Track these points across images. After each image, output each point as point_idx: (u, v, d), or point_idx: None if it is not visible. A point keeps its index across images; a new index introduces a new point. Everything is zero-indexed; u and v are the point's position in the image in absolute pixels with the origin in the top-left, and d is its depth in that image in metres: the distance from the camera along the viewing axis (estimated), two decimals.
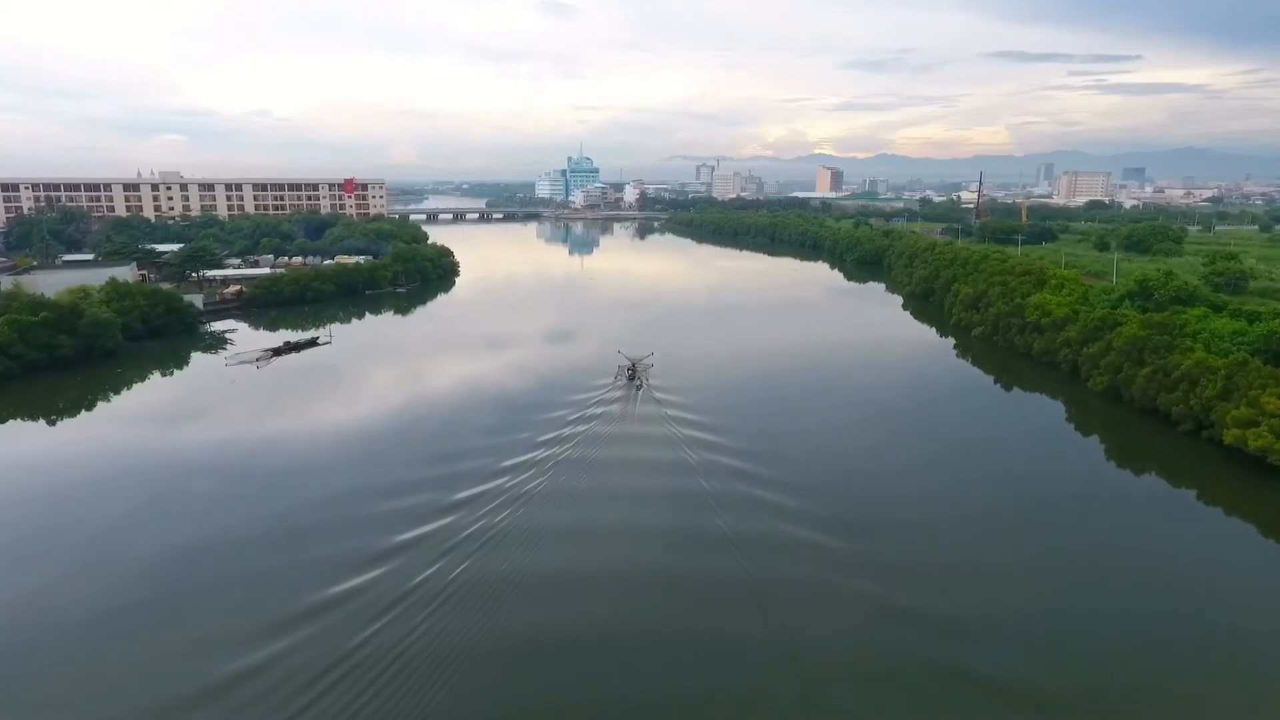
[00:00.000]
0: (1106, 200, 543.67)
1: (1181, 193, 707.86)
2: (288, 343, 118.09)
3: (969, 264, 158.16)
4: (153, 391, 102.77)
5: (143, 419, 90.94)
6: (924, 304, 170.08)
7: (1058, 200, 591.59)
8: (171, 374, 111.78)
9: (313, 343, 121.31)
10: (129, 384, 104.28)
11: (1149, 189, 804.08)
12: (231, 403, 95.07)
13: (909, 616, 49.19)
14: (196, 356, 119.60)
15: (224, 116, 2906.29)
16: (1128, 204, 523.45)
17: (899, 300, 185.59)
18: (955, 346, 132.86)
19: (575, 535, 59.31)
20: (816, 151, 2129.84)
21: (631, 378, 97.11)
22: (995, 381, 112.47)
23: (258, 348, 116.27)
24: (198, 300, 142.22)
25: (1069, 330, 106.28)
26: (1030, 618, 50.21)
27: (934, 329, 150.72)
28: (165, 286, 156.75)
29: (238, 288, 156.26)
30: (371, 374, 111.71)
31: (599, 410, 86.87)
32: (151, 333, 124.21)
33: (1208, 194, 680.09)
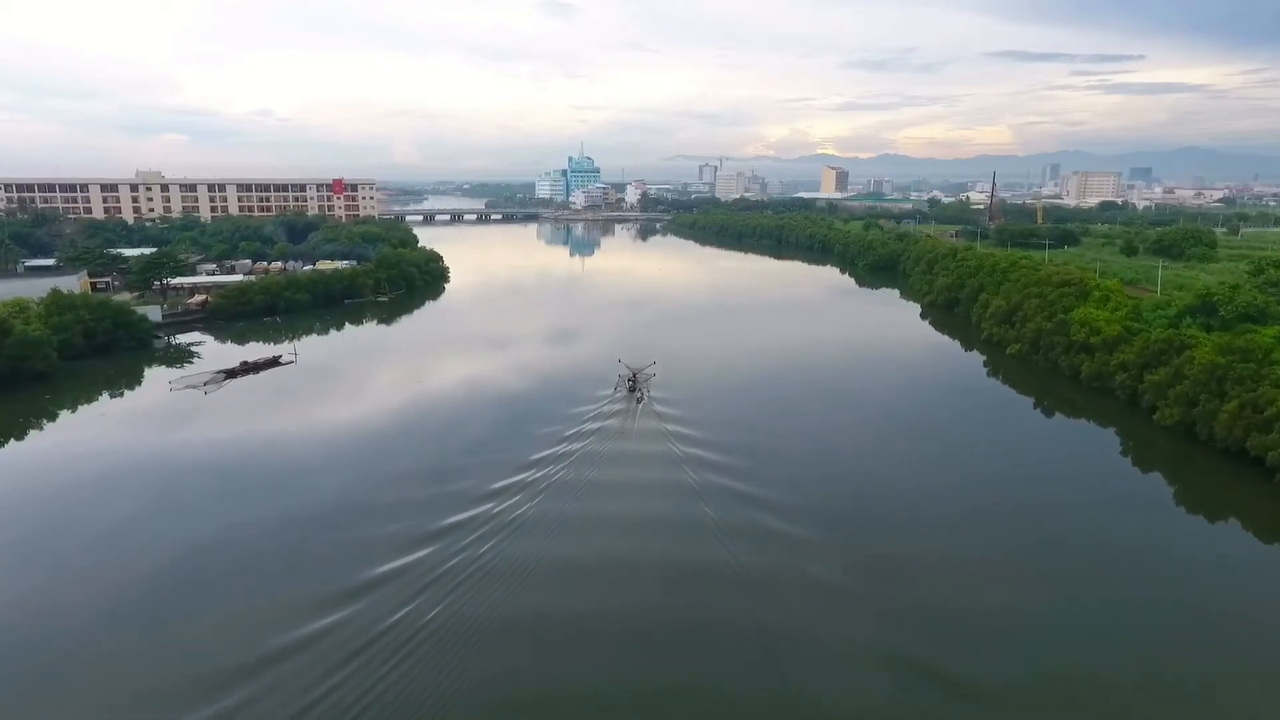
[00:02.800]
0: (1119, 201, 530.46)
1: (1192, 193, 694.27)
2: (245, 362, 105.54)
3: (996, 272, 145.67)
4: (80, 421, 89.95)
5: (71, 450, 78.94)
6: (946, 314, 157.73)
7: (1068, 201, 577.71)
8: (119, 395, 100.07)
9: (274, 362, 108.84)
10: (61, 410, 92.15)
11: (1158, 189, 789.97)
12: (169, 433, 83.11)
13: (937, 680, 43.55)
14: (145, 377, 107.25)
15: (226, 116, 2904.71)
16: (1140, 205, 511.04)
17: (916, 308, 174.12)
18: (986, 364, 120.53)
19: (564, 571, 53.84)
20: (819, 151, 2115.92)
21: (632, 389, 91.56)
22: (1035, 406, 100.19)
23: (209, 369, 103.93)
24: (155, 312, 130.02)
25: (1124, 352, 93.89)
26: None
27: (958, 342, 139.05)
28: (123, 297, 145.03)
29: (203, 297, 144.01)
30: (340, 396, 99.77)
31: (595, 426, 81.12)
32: (97, 350, 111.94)
33: (1218, 194, 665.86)
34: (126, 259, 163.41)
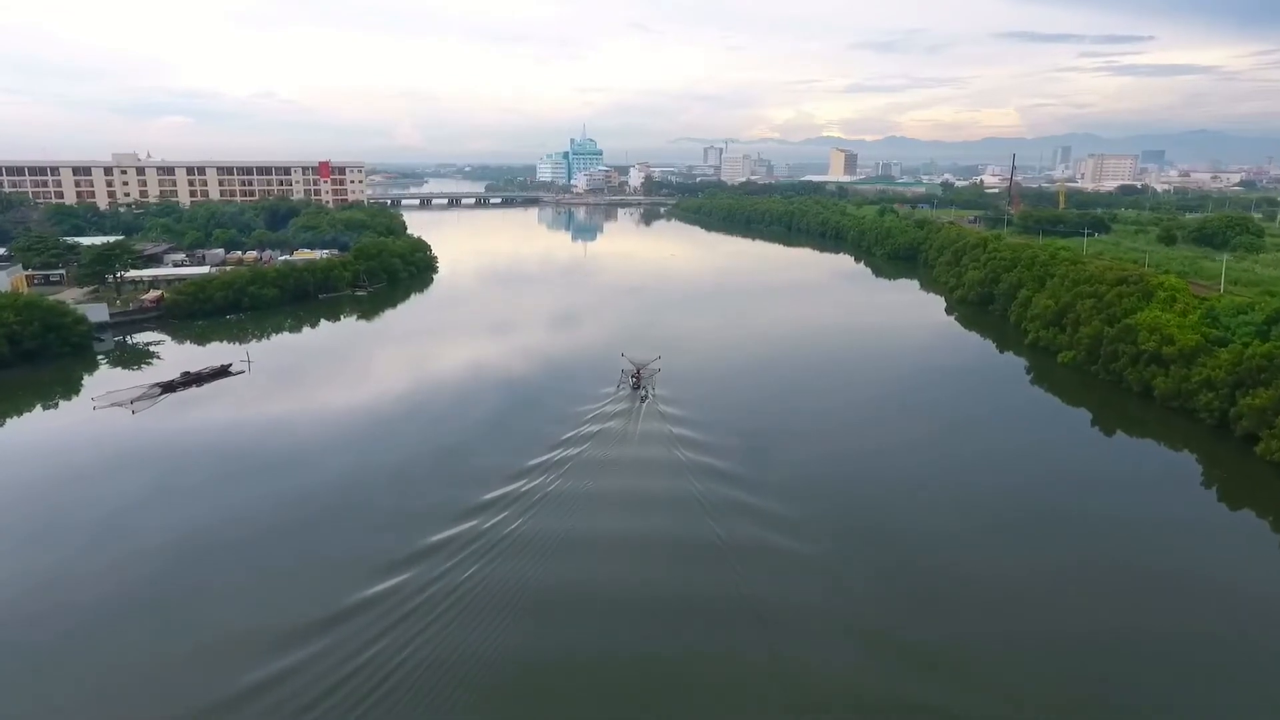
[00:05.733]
0: (1138, 185, 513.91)
1: (1208, 176, 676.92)
2: (186, 373, 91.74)
3: (1035, 265, 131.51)
4: None
5: None
6: (978, 311, 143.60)
7: (1085, 185, 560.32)
8: (50, 407, 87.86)
9: (223, 371, 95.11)
10: None
11: (1172, 172, 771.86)
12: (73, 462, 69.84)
13: None
14: (72, 389, 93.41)
15: (229, 98, 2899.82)
16: (1159, 188, 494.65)
17: (939, 302, 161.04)
18: (1030, 371, 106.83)
19: (554, 600, 47.97)
20: (824, 134, 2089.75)
21: (635, 386, 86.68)
22: (1093, 424, 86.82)
23: (144, 381, 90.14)
24: (100, 310, 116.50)
25: (1207, 366, 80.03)
26: None
27: (992, 342, 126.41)
28: (73, 293, 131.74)
29: (158, 293, 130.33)
30: (300, 407, 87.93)
31: (595, 428, 75.54)
32: (24, 356, 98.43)
33: (1236, 178, 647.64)
34: (81, 250, 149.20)
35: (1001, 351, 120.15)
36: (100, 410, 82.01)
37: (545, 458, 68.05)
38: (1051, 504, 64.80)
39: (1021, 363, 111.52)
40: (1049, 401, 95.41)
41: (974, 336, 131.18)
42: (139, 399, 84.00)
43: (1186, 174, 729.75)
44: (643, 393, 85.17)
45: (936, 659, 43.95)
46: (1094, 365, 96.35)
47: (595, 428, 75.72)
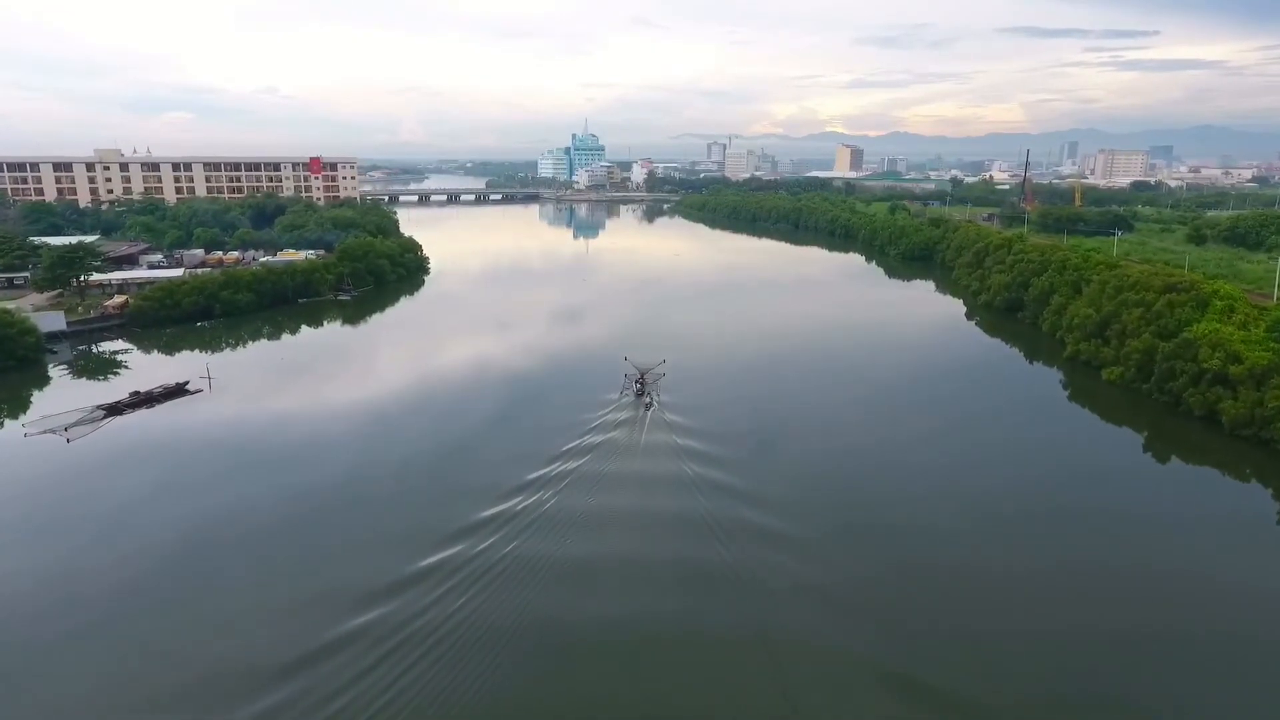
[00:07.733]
0: (1151, 181, 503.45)
1: (1220, 172, 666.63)
2: (136, 393, 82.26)
3: (1068, 269, 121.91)
4: None
5: None
6: (1004, 318, 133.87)
7: (1097, 181, 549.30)
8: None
9: (179, 390, 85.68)
10: None
11: (1182, 168, 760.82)
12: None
13: None
14: (20, 405, 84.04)
15: (231, 94, 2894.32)
16: (1172, 184, 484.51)
17: (958, 305, 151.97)
18: (1067, 386, 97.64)
19: (551, 629, 44.77)
20: (828, 129, 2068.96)
21: (640, 392, 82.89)
22: (1146, 450, 78.27)
23: (87, 403, 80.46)
24: (56, 319, 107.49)
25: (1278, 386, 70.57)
26: None
27: (1020, 351, 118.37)
28: (34, 298, 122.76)
29: (123, 299, 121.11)
30: (270, 429, 78.97)
31: (596, 439, 71.75)
32: None
33: (1248, 174, 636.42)
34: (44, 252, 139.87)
35: (1033, 362, 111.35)
36: (33, 438, 72.66)
37: (543, 472, 64.39)
38: (1108, 529, 59.53)
39: (1054, 375, 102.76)
40: (1093, 421, 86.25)
41: (1004, 347, 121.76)
42: (77, 424, 74.51)
43: (1197, 170, 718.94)
44: (647, 399, 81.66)
45: (967, 705, 40.02)
46: (1146, 384, 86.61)
47: (597, 438, 71.99)
